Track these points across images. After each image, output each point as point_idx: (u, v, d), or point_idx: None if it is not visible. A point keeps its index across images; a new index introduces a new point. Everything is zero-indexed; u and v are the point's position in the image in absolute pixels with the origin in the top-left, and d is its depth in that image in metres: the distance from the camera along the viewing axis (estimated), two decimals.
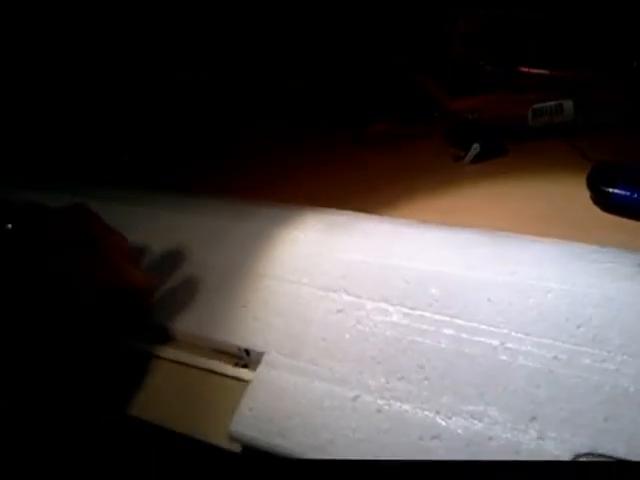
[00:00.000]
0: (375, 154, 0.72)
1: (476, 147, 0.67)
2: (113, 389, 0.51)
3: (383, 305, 0.51)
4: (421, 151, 0.71)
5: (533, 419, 0.43)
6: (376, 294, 0.52)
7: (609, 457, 0.40)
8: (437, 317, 0.50)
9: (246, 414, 0.47)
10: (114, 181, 0.71)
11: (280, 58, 0.78)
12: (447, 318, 0.49)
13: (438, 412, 0.45)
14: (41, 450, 0.43)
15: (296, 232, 0.58)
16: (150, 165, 0.75)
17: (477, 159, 0.68)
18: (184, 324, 0.54)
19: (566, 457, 0.41)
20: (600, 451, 0.41)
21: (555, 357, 0.46)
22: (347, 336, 0.50)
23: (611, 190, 0.61)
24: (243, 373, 0.50)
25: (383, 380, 0.47)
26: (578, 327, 0.47)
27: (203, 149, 0.81)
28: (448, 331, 0.49)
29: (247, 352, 0.51)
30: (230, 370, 0.51)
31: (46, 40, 0.80)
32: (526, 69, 0.70)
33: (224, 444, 0.47)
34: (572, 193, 0.63)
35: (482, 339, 0.48)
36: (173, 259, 0.59)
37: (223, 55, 0.81)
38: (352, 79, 0.76)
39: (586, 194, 0.63)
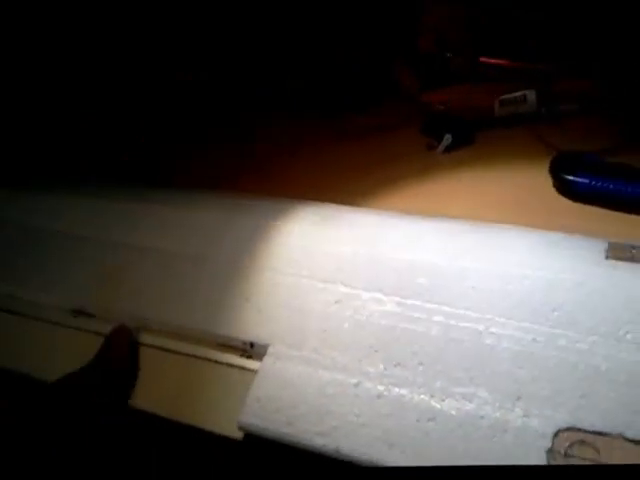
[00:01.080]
0: (354, 145, 0.72)
1: (448, 138, 0.68)
2: (118, 383, 0.51)
3: (377, 295, 0.52)
4: (397, 141, 0.72)
5: (518, 398, 0.46)
6: (370, 285, 0.53)
7: (587, 431, 0.43)
8: (427, 305, 0.51)
9: (254, 405, 0.48)
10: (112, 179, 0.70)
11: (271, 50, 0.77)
12: (436, 306, 0.51)
13: (433, 395, 0.47)
14: (41, 450, 0.42)
15: (290, 225, 0.58)
16: (150, 165, 0.74)
17: (449, 148, 0.69)
18: (188, 319, 0.55)
19: (549, 432, 0.44)
20: (579, 426, 0.44)
21: (534, 339, 0.48)
22: (346, 326, 0.51)
23: (571, 178, 0.63)
24: (248, 365, 0.51)
25: (381, 367, 0.49)
26: (553, 311, 0.50)
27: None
28: (437, 318, 0.50)
29: (251, 345, 0.52)
30: (235, 362, 0.52)
31: (46, 41, 0.77)
32: (491, 60, 0.71)
33: (231, 434, 0.48)
34: (536, 181, 0.65)
35: (469, 325, 0.50)
36: (173, 255, 0.59)
37: (223, 55, 0.78)
38: (337, 71, 0.76)
39: (549, 182, 0.65)
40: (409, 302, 0.52)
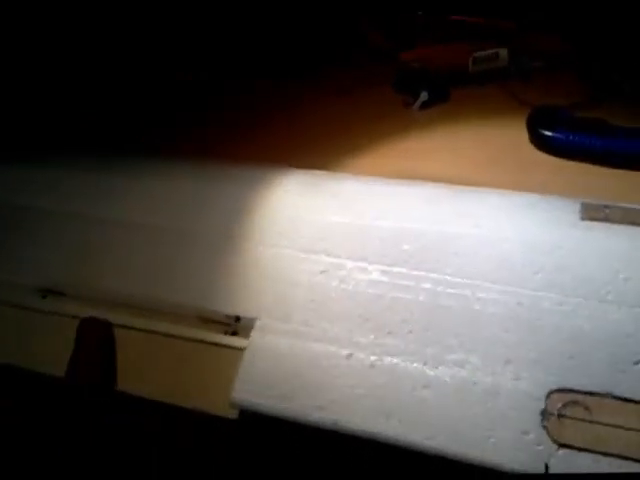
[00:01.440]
0: (331, 104, 0.70)
1: (424, 94, 0.67)
2: (102, 368, 0.49)
3: (362, 264, 0.52)
4: (373, 99, 0.70)
5: (508, 362, 0.47)
6: (354, 253, 0.52)
7: (578, 391, 0.45)
8: (414, 273, 0.51)
9: (247, 381, 0.47)
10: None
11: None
12: (423, 273, 0.51)
13: (426, 363, 0.47)
14: (44, 449, 0.41)
15: (274, 195, 0.56)
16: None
17: (425, 105, 0.68)
18: (171, 294, 0.53)
19: (540, 395, 0.45)
20: (569, 386, 0.45)
21: (519, 303, 0.49)
22: (333, 296, 0.50)
23: (550, 133, 0.64)
24: (236, 341, 0.50)
25: (372, 337, 0.48)
26: (535, 274, 0.50)
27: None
28: (425, 285, 0.50)
29: (237, 319, 0.50)
30: (222, 339, 0.50)
31: (46, 42, 0.71)
32: (464, 19, 0.70)
33: (225, 413, 0.47)
34: (513, 136, 0.65)
35: (456, 291, 0.50)
36: (154, 229, 0.56)
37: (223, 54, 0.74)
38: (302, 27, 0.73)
39: (525, 137, 0.65)
40: (395, 270, 0.51)
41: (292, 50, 0.75)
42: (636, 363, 0.45)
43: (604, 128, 0.62)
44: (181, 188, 0.59)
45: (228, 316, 0.51)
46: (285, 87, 0.74)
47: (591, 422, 0.43)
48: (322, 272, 0.52)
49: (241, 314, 0.50)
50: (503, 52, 0.68)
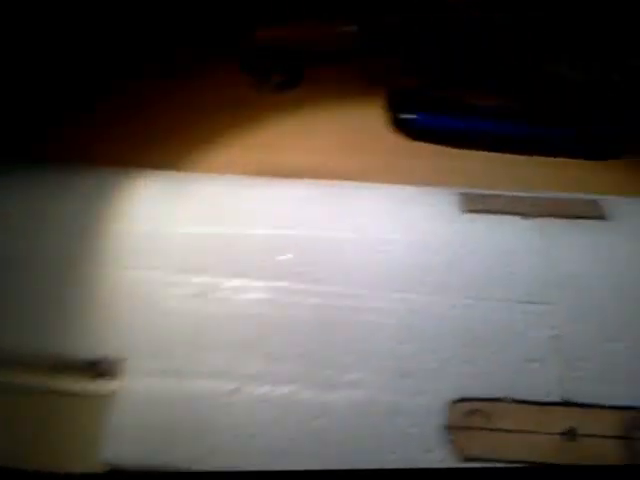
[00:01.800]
0: (168, 91, 0.63)
1: (277, 76, 0.63)
2: None
3: (239, 281, 0.47)
4: (219, 82, 0.64)
5: (405, 376, 0.45)
6: (229, 269, 0.47)
7: (476, 399, 0.44)
8: (299, 286, 0.47)
9: (116, 435, 0.41)
10: None
11: None
12: (307, 286, 0.48)
13: (320, 389, 0.44)
14: None
15: (126, 205, 0.50)
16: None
17: (278, 88, 0.64)
18: (16, 340, 0.44)
19: (441, 407, 0.43)
20: (468, 395, 0.44)
21: (411, 310, 0.47)
22: (211, 322, 0.45)
23: (409, 116, 0.62)
24: (101, 388, 0.43)
25: (261, 365, 0.44)
26: (425, 276, 0.49)
27: None
28: (313, 300, 0.47)
29: (100, 361, 0.44)
30: (84, 387, 0.43)
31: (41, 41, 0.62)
32: None
33: (95, 470, 0.41)
34: (372, 119, 0.63)
35: (346, 303, 0.47)
36: None
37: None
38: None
39: (383, 119, 0.63)
40: (278, 285, 0.47)
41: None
42: (529, 361, 0.45)
43: (464, 108, 0.62)
44: (17, 204, 0.50)
45: (88, 360, 0.44)
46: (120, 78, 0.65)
47: (492, 430, 0.43)
48: (196, 295, 0.46)
49: (105, 354, 0.44)
50: (353, 29, 0.65)
